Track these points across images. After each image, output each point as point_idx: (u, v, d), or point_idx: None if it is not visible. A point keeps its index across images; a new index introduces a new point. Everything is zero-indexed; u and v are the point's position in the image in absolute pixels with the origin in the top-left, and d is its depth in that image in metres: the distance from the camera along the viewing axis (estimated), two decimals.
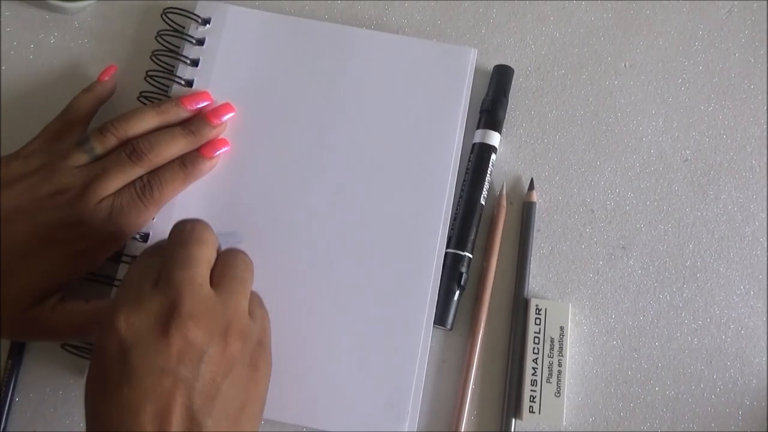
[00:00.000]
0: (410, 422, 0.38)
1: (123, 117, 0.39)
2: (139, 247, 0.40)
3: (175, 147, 0.40)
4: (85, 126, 0.42)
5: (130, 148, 0.38)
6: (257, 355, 0.31)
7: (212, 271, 0.31)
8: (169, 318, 0.28)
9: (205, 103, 0.42)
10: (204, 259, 0.31)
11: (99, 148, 0.38)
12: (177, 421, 0.27)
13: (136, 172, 0.38)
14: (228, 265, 0.32)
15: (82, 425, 0.38)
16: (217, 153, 0.41)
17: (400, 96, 0.44)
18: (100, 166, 0.37)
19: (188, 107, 0.42)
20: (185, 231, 0.32)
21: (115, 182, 0.37)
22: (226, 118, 0.42)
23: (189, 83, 0.44)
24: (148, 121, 0.40)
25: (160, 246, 0.33)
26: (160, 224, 0.41)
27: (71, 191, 0.36)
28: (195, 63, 0.45)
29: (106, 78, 0.43)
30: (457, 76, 0.45)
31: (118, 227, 0.37)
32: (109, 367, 0.28)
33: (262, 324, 0.33)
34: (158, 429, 0.26)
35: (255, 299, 0.33)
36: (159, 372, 0.27)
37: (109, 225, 0.37)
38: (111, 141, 0.38)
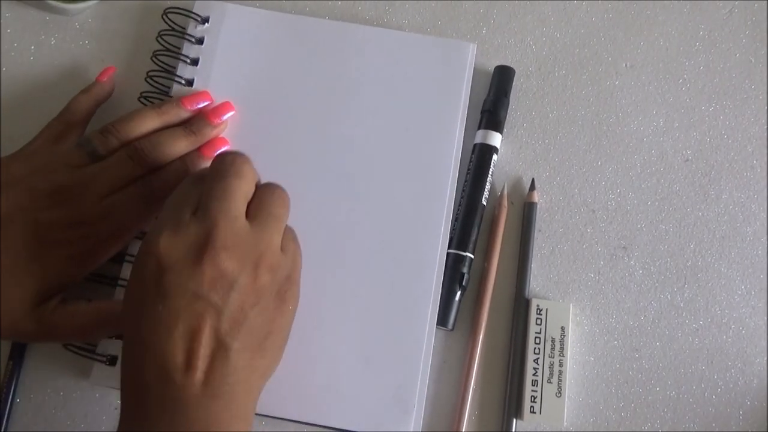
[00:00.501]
0: (415, 421, 0.38)
1: (124, 118, 0.40)
2: None
3: (177, 147, 0.40)
4: (84, 127, 0.42)
5: (132, 149, 0.38)
6: (285, 288, 0.33)
7: (249, 204, 0.33)
8: (204, 247, 0.30)
9: (205, 103, 0.42)
10: (241, 192, 0.32)
11: (101, 149, 0.38)
12: (205, 340, 0.29)
13: (137, 172, 0.38)
14: (264, 200, 0.33)
15: (83, 426, 0.39)
16: (217, 153, 0.41)
17: (400, 92, 0.44)
18: (101, 166, 0.38)
19: (188, 107, 0.42)
20: (225, 163, 0.33)
21: (116, 182, 0.37)
22: (226, 117, 0.42)
23: (189, 82, 0.44)
24: (149, 122, 0.40)
25: (202, 175, 0.34)
26: None
27: (72, 191, 0.36)
28: (195, 62, 0.45)
29: (105, 79, 0.43)
30: (457, 71, 0.45)
31: (119, 227, 0.37)
32: (147, 285, 0.30)
33: (294, 259, 0.34)
34: (187, 345, 0.29)
35: (288, 234, 0.35)
36: (191, 295, 0.29)
37: (111, 225, 0.37)
38: (112, 142, 0.38)
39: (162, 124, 0.41)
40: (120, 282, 0.39)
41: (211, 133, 0.42)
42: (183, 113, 0.41)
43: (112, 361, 0.38)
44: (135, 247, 0.40)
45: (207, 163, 0.41)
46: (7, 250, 0.34)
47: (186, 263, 0.30)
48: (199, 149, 0.41)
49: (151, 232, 0.31)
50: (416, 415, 0.38)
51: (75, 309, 0.36)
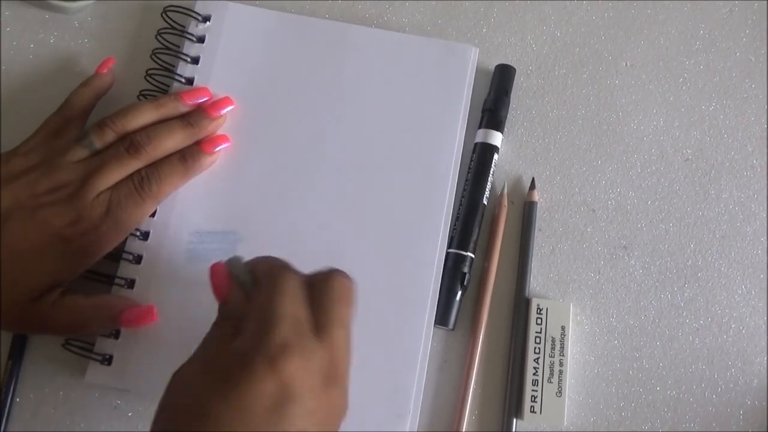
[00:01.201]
0: (411, 422, 0.38)
1: (121, 112, 0.39)
2: (138, 245, 0.40)
3: (174, 139, 0.40)
4: (84, 121, 0.42)
5: (128, 142, 0.38)
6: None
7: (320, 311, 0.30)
8: (331, 377, 0.28)
9: (204, 98, 0.42)
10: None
11: (97, 143, 0.38)
12: None
13: (134, 165, 0.38)
14: (340, 311, 0.31)
15: (83, 425, 0.38)
16: (218, 149, 0.41)
17: (400, 93, 0.44)
18: (98, 160, 0.37)
19: (187, 102, 0.41)
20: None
21: (112, 176, 0.37)
22: (225, 111, 0.42)
23: (189, 81, 0.44)
24: (146, 116, 0.40)
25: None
26: (161, 222, 0.41)
27: (70, 186, 0.36)
28: (195, 61, 0.44)
29: (105, 71, 0.43)
30: (458, 74, 0.45)
31: (116, 222, 0.37)
32: (262, 405, 0.26)
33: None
34: None
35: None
36: (312, 426, 0.27)
37: (108, 219, 0.37)
38: (109, 135, 0.38)
39: (159, 118, 0.40)
40: (117, 280, 0.39)
41: (210, 127, 0.41)
42: (181, 107, 0.41)
43: (107, 360, 0.38)
44: (133, 245, 0.40)
45: (206, 159, 0.41)
46: (7, 245, 0.34)
47: (314, 392, 0.27)
48: (199, 145, 0.41)
49: (276, 347, 0.27)
50: (412, 416, 0.38)
51: (73, 303, 0.36)
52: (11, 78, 0.45)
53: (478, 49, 0.46)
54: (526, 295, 0.42)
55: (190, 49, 0.45)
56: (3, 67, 0.45)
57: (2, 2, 0.47)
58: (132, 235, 0.40)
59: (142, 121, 0.40)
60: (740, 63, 0.48)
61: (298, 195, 0.42)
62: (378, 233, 0.41)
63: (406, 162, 0.43)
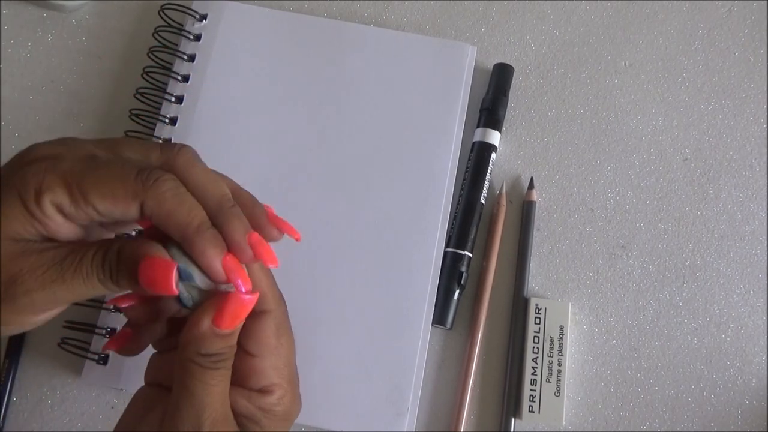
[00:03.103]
0: (409, 421, 0.38)
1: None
2: None
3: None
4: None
5: None
6: None
7: None
8: None
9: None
10: None
11: None
12: None
13: None
14: None
15: (80, 425, 0.38)
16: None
17: (398, 92, 0.44)
18: None
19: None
20: None
21: None
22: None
23: (185, 78, 0.44)
24: None
25: None
26: None
27: None
28: (191, 58, 0.44)
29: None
30: (456, 73, 0.45)
31: None
32: None
33: None
34: None
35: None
36: None
37: None
38: None
39: None
40: None
41: None
42: None
43: (103, 360, 0.38)
44: None
45: None
46: None
47: None
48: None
49: None
50: (410, 415, 0.38)
51: None
52: (9, 76, 0.45)
53: (476, 48, 0.46)
54: (525, 294, 0.42)
55: (187, 46, 0.45)
56: (1, 66, 0.45)
57: (0, 1, 0.46)
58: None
59: None
60: (739, 63, 0.48)
61: (296, 194, 0.42)
62: (375, 232, 0.41)
63: (403, 160, 0.43)
